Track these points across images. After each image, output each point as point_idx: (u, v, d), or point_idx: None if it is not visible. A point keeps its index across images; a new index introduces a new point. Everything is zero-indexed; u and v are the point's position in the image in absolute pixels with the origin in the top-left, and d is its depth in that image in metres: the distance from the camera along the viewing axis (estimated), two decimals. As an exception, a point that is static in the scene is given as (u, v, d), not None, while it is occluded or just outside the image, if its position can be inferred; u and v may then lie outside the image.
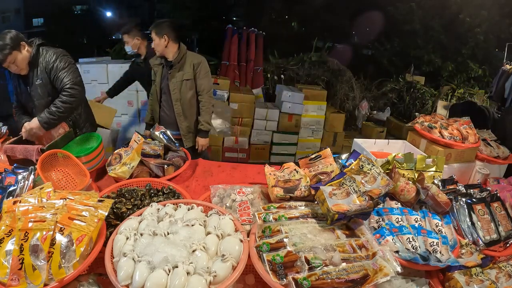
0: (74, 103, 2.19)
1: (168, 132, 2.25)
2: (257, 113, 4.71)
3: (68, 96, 2.15)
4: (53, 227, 1.11)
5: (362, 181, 1.49)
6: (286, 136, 4.92)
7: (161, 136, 2.20)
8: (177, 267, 1.03)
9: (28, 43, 2.17)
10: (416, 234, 1.33)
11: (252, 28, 5.22)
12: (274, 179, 1.53)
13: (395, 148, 2.27)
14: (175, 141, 2.25)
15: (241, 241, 1.18)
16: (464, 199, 1.54)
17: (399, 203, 1.52)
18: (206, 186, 1.80)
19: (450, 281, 1.24)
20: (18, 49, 2.09)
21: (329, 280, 1.01)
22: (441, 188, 1.68)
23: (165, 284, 1.00)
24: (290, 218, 1.28)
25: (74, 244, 1.10)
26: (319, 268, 1.05)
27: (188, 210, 1.34)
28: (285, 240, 1.14)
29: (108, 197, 1.54)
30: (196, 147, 2.82)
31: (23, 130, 2.10)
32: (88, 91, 2.61)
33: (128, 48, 3.13)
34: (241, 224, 1.30)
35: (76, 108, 2.31)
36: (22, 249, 1.05)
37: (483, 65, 7.11)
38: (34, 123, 2.08)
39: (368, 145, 2.17)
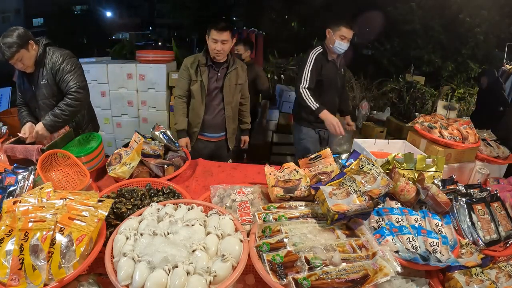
0: (79, 107, 2.20)
1: (168, 132, 2.25)
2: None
3: (73, 100, 2.15)
4: (53, 227, 1.11)
5: (362, 181, 1.49)
6: (286, 136, 4.92)
7: (161, 136, 2.20)
8: (177, 267, 1.03)
9: (35, 41, 2.15)
10: (416, 234, 1.33)
11: (252, 28, 5.22)
12: (274, 179, 1.53)
13: (395, 148, 2.26)
14: (175, 141, 2.25)
15: (241, 241, 1.18)
16: (464, 199, 1.54)
17: (399, 203, 1.52)
18: (206, 186, 1.80)
19: (450, 281, 1.24)
20: (26, 48, 2.08)
21: (329, 280, 1.01)
22: (441, 188, 1.67)
23: (165, 284, 1.00)
24: (290, 218, 1.28)
25: (74, 244, 1.10)
26: (319, 268, 1.05)
27: (188, 210, 1.34)
28: (285, 240, 1.14)
29: (108, 197, 1.54)
30: (242, 146, 3.00)
31: (22, 132, 2.09)
32: (88, 91, 2.62)
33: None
34: (241, 224, 1.30)
35: (80, 111, 2.32)
36: (22, 249, 1.05)
37: (483, 65, 7.11)
38: (39, 126, 2.08)
39: (368, 145, 2.17)
